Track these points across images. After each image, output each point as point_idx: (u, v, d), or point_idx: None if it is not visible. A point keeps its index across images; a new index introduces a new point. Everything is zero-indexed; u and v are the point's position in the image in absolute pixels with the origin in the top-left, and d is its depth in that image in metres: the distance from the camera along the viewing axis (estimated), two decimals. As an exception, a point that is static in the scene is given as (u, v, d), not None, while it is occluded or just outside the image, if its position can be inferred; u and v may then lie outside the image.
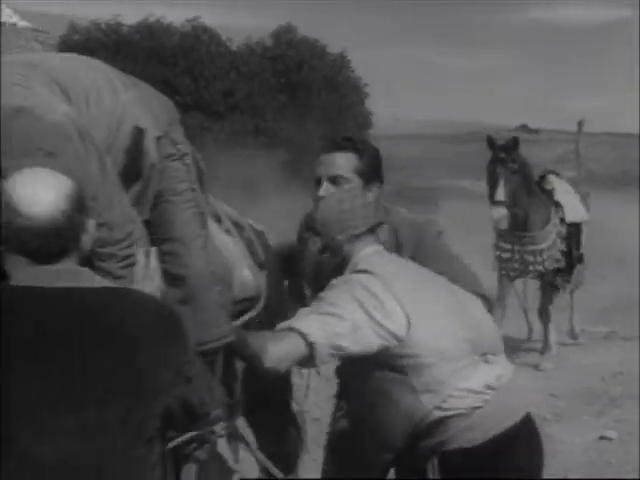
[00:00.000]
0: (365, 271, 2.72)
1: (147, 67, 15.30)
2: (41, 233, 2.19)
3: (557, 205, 7.83)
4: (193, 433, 2.65)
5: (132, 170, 2.84)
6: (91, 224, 2.31)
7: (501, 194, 7.36)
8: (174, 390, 2.26)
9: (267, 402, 3.55)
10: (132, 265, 2.65)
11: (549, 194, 7.89)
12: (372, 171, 3.36)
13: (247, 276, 3.32)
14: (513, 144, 7.63)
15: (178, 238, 2.95)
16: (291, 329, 2.61)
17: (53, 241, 2.20)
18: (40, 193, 2.21)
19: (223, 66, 15.52)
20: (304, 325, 2.62)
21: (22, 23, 20.62)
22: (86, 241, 2.30)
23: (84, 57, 3.35)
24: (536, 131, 53.42)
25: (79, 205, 2.24)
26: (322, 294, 2.72)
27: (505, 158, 7.54)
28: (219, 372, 3.08)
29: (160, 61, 15.49)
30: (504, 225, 7.34)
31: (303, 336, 2.60)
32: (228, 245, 3.29)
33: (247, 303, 3.31)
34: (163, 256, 2.85)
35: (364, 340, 2.60)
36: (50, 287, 2.20)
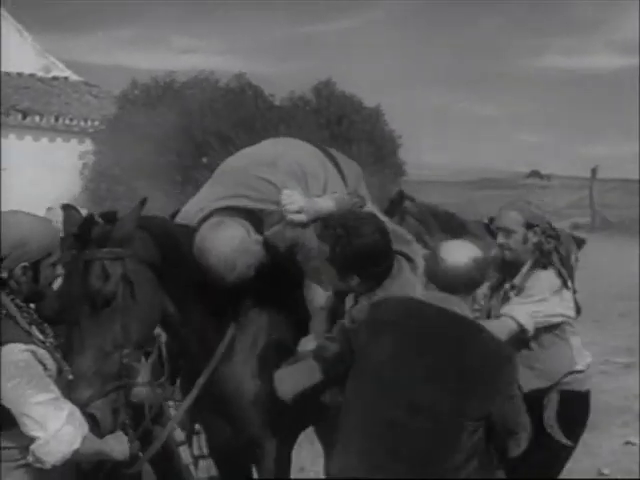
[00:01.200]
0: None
1: (202, 120, 16.30)
2: (455, 276, 3.11)
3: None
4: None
5: None
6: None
7: None
8: (491, 403, 2.97)
9: None
10: None
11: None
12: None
13: None
14: (398, 198, 7.95)
15: None
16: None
17: (461, 285, 3.11)
18: (461, 252, 3.15)
19: (272, 119, 16.41)
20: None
21: (74, 77, 21.74)
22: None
23: (288, 140, 4.31)
24: (548, 177, 53.71)
25: (479, 266, 3.14)
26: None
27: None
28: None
29: (213, 114, 16.46)
30: None
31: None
32: None
33: None
34: None
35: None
36: (430, 304, 3.10)
